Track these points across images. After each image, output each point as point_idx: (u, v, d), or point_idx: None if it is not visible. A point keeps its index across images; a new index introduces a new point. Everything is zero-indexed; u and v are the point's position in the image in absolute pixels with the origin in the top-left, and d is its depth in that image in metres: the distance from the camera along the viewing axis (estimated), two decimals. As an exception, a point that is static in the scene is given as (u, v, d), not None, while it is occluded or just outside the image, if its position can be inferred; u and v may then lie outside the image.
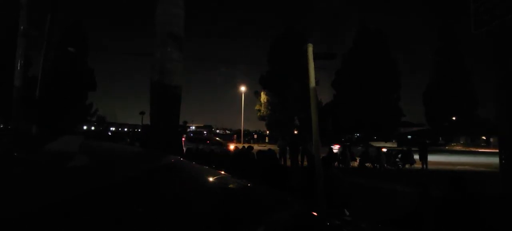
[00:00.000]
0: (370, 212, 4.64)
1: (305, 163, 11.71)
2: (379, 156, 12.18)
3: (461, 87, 36.31)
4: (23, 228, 0.57)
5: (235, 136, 41.99)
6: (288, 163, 12.31)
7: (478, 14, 3.44)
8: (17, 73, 4.83)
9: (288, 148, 12.63)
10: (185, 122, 39.31)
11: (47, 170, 0.80)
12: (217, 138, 21.89)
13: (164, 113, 3.99)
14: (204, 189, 1.18)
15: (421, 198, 3.44)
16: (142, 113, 24.06)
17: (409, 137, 39.28)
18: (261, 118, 32.86)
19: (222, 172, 1.39)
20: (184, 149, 10.10)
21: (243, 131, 38.64)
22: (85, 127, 34.09)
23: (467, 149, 32.53)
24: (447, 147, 35.49)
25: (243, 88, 37.03)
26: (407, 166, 12.30)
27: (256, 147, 10.71)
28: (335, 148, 15.99)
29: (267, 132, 37.42)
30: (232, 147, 16.59)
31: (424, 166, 12.37)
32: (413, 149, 13.45)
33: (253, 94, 34.68)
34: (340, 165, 12.32)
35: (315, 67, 3.03)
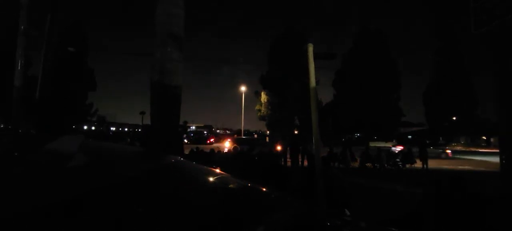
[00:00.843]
0: (370, 212, 4.64)
1: (305, 163, 11.71)
2: (380, 156, 12.17)
3: (461, 87, 36.30)
4: (23, 228, 0.57)
5: (235, 136, 41.99)
6: (288, 163, 12.31)
7: (478, 14, 3.44)
8: (17, 73, 4.83)
9: (288, 148, 12.64)
10: (185, 122, 39.32)
11: (46, 169, 0.80)
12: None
13: (164, 113, 3.99)
14: (204, 189, 1.18)
15: (424, 197, 3.44)
16: (142, 113, 24.07)
17: (410, 137, 39.26)
18: (261, 118, 32.85)
19: (222, 172, 1.39)
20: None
21: (244, 131, 38.62)
22: (85, 127, 34.10)
23: (467, 149, 32.52)
24: (447, 147, 35.46)
25: (243, 88, 37.02)
26: (407, 165, 12.30)
27: (256, 147, 10.71)
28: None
29: (268, 132, 37.39)
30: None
31: (424, 165, 12.37)
32: (413, 149, 13.46)
33: (254, 94, 34.69)
34: (340, 165, 12.32)
35: (315, 67, 3.03)
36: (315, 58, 2.97)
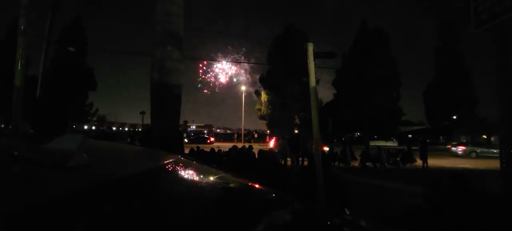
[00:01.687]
0: (370, 211, 4.64)
1: (305, 163, 11.71)
2: (380, 155, 12.17)
3: (461, 86, 36.27)
4: (21, 226, 0.57)
5: (235, 135, 42.01)
6: (289, 162, 12.32)
7: (478, 13, 3.44)
8: (17, 73, 4.83)
9: (288, 148, 12.64)
10: (186, 122, 39.34)
11: (45, 168, 0.80)
12: None
13: (165, 113, 3.99)
14: (204, 187, 1.18)
15: (424, 196, 3.44)
16: (142, 113, 24.07)
17: (410, 136, 39.27)
18: (262, 117, 32.88)
19: (222, 171, 1.39)
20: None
21: (244, 130, 38.64)
22: (85, 127, 34.12)
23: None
24: (447, 146, 35.47)
25: (243, 88, 37.02)
26: (408, 165, 12.30)
27: (257, 147, 10.73)
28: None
29: (268, 131, 37.42)
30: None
31: (425, 165, 12.37)
32: (413, 148, 13.45)
33: (254, 94, 34.71)
34: (341, 164, 12.32)
35: (316, 66, 3.03)
36: (315, 58, 2.97)
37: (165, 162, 1.17)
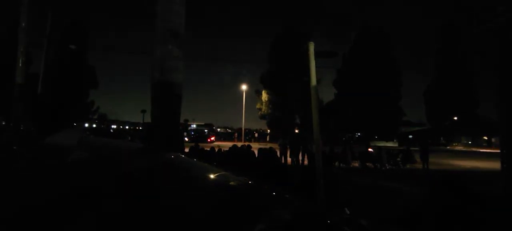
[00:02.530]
0: (370, 211, 4.63)
1: (306, 162, 11.71)
2: (380, 156, 12.15)
3: (462, 86, 36.20)
4: (22, 219, 0.57)
5: (236, 134, 41.99)
6: (289, 161, 12.32)
7: (480, 12, 3.42)
8: (19, 70, 4.83)
9: (288, 147, 12.63)
10: (186, 120, 39.30)
11: (45, 163, 0.80)
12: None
13: (165, 111, 3.98)
14: (204, 185, 1.18)
15: (423, 197, 3.44)
16: (143, 111, 24.09)
17: (410, 136, 39.21)
18: (262, 117, 32.87)
19: (222, 169, 1.39)
20: None
21: (244, 129, 38.62)
22: (86, 125, 34.14)
23: (468, 149, 32.46)
24: (448, 147, 35.42)
25: (244, 87, 36.99)
26: (408, 165, 12.28)
27: (257, 146, 10.73)
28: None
29: (268, 130, 37.41)
30: None
31: (425, 165, 12.35)
32: (413, 148, 13.41)
33: (254, 93, 34.69)
34: (341, 164, 12.31)
35: (316, 66, 3.03)
36: (315, 57, 2.96)
37: (164, 159, 1.16)
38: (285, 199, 1.37)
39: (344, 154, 12.45)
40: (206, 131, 37.89)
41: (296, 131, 27.26)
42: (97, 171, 0.86)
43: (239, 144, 9.55)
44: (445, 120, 38.23)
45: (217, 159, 8.26)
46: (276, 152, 11.16)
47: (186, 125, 37.82)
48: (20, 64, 5.01)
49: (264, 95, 31.87)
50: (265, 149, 7.24)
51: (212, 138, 35.42)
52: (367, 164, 12.24)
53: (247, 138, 37.37)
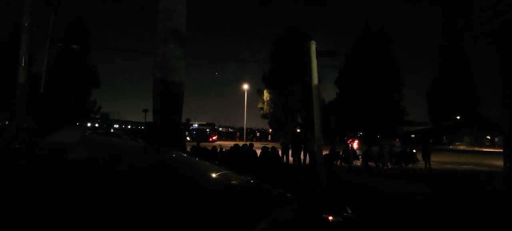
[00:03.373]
0: (372, 210, 4.62)
1: (307, 161, 11.70)
2: (382, 155, 12.12)
3: (464, 86, 35.98)
4: (23, 215, 0.58)
5: (237, 133, 42.02)
6: (291, 161, 12.31)
7: (482, 11, 3.39)
8: (21, 70, 4.86)
9: (290, 146, 12.63)
10: (188, 119, 39.39)
11: (46, 161, 0.80)
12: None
13: (167, 110, 4.00)
14: (206, 184, 1.18)
15: (425, 197, 3.42)
16: (145, 111, 24.16)
17: (413, 135, 39.05)
18: (264, 116, 32.88)
19: (224, 168, 1.39)
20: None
21: (246, 128, 38.64)
22: (89, 124, 34.30)
23: (471, 149, 32.28)
24: (451, 146, 35.24)
25: (246, 86, 37.00)
26: (410, 165, 12.23)
27: (259, 145, 10.73)
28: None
29: (270, 130, 37.40)
30: None
31: (427, 165, 12.29)
32: (415, 148, 13.35)
33: (256, 93, 34.70)
34: (343, 163, 12.29)
35: (318, 65, 3.01)
36: (317, 56, 2.95)
37: (165, 158, 1.17)
38: (287, 198, 1.37)
39: (346, 153, 12.43)
40: (208, 130, 37.91)
41: (298, 130, 27.24)
42: (98, 168, 0.86)
43: (241, 143, 9.56)
44: (448, 119, 38.03)
45: (219, 158, 8.27)
46: (278, 151, 11.16)
47: (188, 124, 37.88)
48: (22, 64, 5.03)
49: (266, 95, 31.88)
50: (266, 148, 7.24)
51: (214, 137, 35.47)
52: (369, 163, 12.21)
53: (249, 137, 37.37)
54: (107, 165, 0.91)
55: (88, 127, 32.44)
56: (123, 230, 0.70)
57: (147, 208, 0.81)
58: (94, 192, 0.74)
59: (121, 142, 1.36)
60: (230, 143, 14.98)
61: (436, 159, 13.71)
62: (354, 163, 12.41)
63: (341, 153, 12.56)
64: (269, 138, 38.45)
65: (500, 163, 13.76)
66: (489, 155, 21.31)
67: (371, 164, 12.23)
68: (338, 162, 12.16)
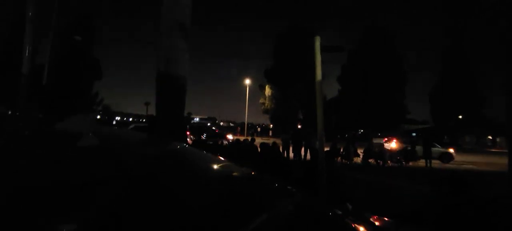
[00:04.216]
0: (371, 206, 4.64)
1: (308, 158, 11.72)
2: (382, 152, 12.13)
3: (467, 85, 35.74)
4: (32, 200, 0.59)
5: (238, 128, 42.09)
6: (291, 156, 12.35)
7: (491, 8, 3.35)
8: (25, 60, 4.86)
9: (291, 142, 12.65)
10: (190, 113, 39.46)
11: (56, 148, 0.82)
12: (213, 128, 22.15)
13: (170, 103, 4.00)
14: (209, 174, 1.19)
15: (425, 195, 3.44)
16: (147, 104, 24.20)
17: (413, 134, 38.97)
18: (265, 111, 32.88)
19: (226, 160, 1.40)
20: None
21: (247, 123, 38.67)
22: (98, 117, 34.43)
23: (472, 148, 32.16)
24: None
25: (248, 81, 36.90)
26: (410, 163, 12.24)
27: (260, 140, 10.77)
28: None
29: (271, 125, 37.44)
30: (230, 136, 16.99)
31: (428, 163, 12.30)
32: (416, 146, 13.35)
33: (258, 88, 34.65)
34: (343, 160, 12.31)
35: (322, 62, 3.00)
36: (322, 51, 2.94)
37: (170, 148, 1.18)
38: (288, 191, 1.38)
39: (347, 150, 12.45)
40: (208, 124, 37.92)
41: (299, 127, 27.25)
42: (106, 157, 0.87)
43: (242, 138, 9.59)
44: (450, 119, 37.87)
45: (219, 152, 8.31)
46: (279, 147, 11.18)
47: (189, 118, 37.93)
48: (26, 55, 5.04)
49: (268, 90, 31.83)
50: (267, 143, 7.27)
51: (216, 131, 35.48)
52: (369, 160, 12.23)
53: (250, 132, 37.43)
54: (115, 154, 0.92)
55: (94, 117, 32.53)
56: (133, 216, 0.72)
57: (151, 195, 0.82)
58: (101, 178, 0.75)
59: (126, 133, 1.38)
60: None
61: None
62: (355, 160, 12.43)
63: (341, 150, 12.58)
64: (270, 134, 38.49)
65: (498, 162, 13.76)
66: (490, 155, 21.24)
67: (371, 161, 12.25)
68: (339, 158, 12.18)
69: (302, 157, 12.05)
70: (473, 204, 2.67)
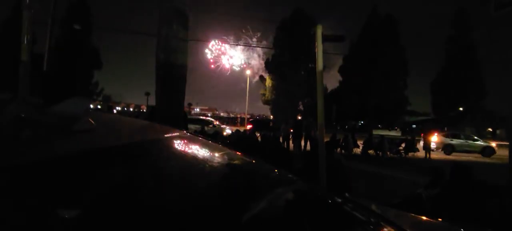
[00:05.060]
0: (371, 196, 4.69)
1: (308, 148, 11.77)
2: (382, 144, 12.16)
3: (470, 77, 35.51)
4: (28, 181, 0.59)
5: (239, 119, 42.13)
6: (291, 147, 12.39)
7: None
8: (24, 48, 4.82)
9: (291, 133, 12.67)
10: (190, 104, 39.47)
11: (51, 130, 0.81)
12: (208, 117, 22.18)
13: (169, 92, 3.99)
14: (210, 161, 1.19)
15: (425, 184, 3.47)
16: (147, 94, 24.16)
17: (414, 126, 38.99)
18: (266, 102, 32.84)
19: (227, 148, 1.40)
20: None
21: (248, 114, 38.69)
22: (91, 106, 34.43)
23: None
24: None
25: (248, 72, 36.70)
26: (410, 154, 12.30)
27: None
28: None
29: (271, 116, 37.47)
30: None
31: (427, 155, 12.36)
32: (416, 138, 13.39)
33: (259, 78, 34.49)
34: (343, 151, 12.37)
35: (323, 52, 2.96)
36: (323, 41, 2.90)
37: (170, 135, 1.18)
38: (288, 179, 1.39)
39: (346, 141, 12.49)
40: (209, 114, 37.92)
41: (299, 118, 27.24)
42: (103, 140, 0.86)
43: (242, 129, 9.61)
44: (451, 110, 37.81)
45: (221, 140, 8.33)
46: (279, 137, 11.20)
47: (190, 108, 37.88)
48: (25, 42, 4.99)
49: (268, 81, 31.69)
50: (268, 134, 7.28)
51: (216, 122, 35.58)
52: (369, 151, 12.29)
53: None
54: (111, 138, 0.92)
55: (91, 108, 32.56)
56: (136, 198, 0.72)
57: (149, 181, 0.82)
58: (96, 162, 0.75)
59: (125, 119, 1.37)
60: (232, 128, 14.84)
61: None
62: (354, 151, 12.48)
63: (341, 141, 12.62)
64: (271, 125, 38.51)
65: (498, 154, 13.76)
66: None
67: (371, 152, 12.30)
68: (338, 149, 12.23)
69: (302, 147, 12.09)
70: (474, 192, 2.69)
